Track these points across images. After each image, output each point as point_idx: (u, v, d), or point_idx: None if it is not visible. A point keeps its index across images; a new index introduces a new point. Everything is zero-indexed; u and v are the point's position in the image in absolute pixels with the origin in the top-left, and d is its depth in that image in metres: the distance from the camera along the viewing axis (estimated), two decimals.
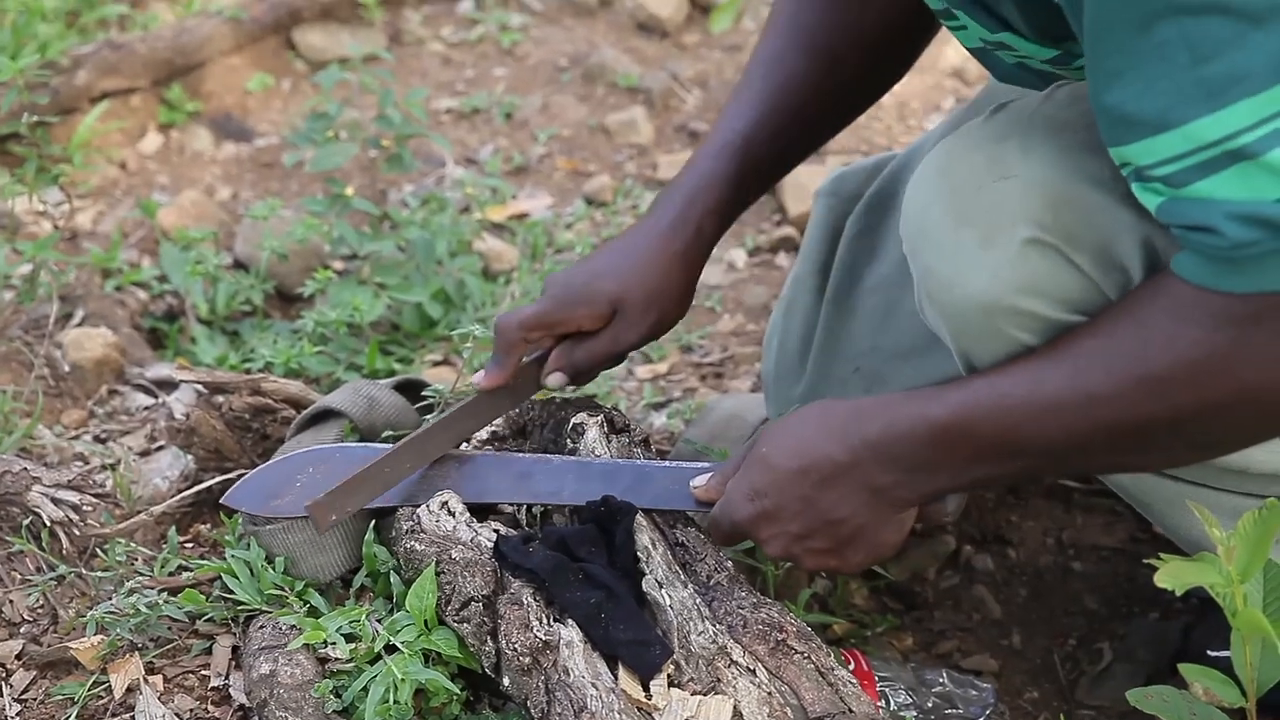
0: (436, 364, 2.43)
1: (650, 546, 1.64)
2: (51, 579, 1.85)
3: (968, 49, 1.64)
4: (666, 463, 1.73)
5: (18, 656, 1.77)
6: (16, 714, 1.70)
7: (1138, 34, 1.32)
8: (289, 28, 3.24)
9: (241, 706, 1.69)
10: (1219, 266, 1.36)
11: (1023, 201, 1.50)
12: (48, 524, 1.89)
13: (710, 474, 1.67)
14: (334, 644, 1.67)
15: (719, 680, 1.53)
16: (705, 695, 1.51)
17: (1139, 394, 1.42)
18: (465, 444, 1.87)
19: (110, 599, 1.80)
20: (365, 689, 1.63)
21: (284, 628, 1.70)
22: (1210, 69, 1.31)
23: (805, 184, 2.76)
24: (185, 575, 1.81)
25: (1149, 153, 1.36)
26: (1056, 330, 1.50)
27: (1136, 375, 1.41)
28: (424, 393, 1.97)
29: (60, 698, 1.71)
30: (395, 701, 1.61)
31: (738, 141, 1.82)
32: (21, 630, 1.81)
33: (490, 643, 1.60)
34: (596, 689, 1.51)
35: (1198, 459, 1.53)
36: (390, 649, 1.65)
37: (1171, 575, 1.39)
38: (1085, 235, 1.50)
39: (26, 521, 1.89)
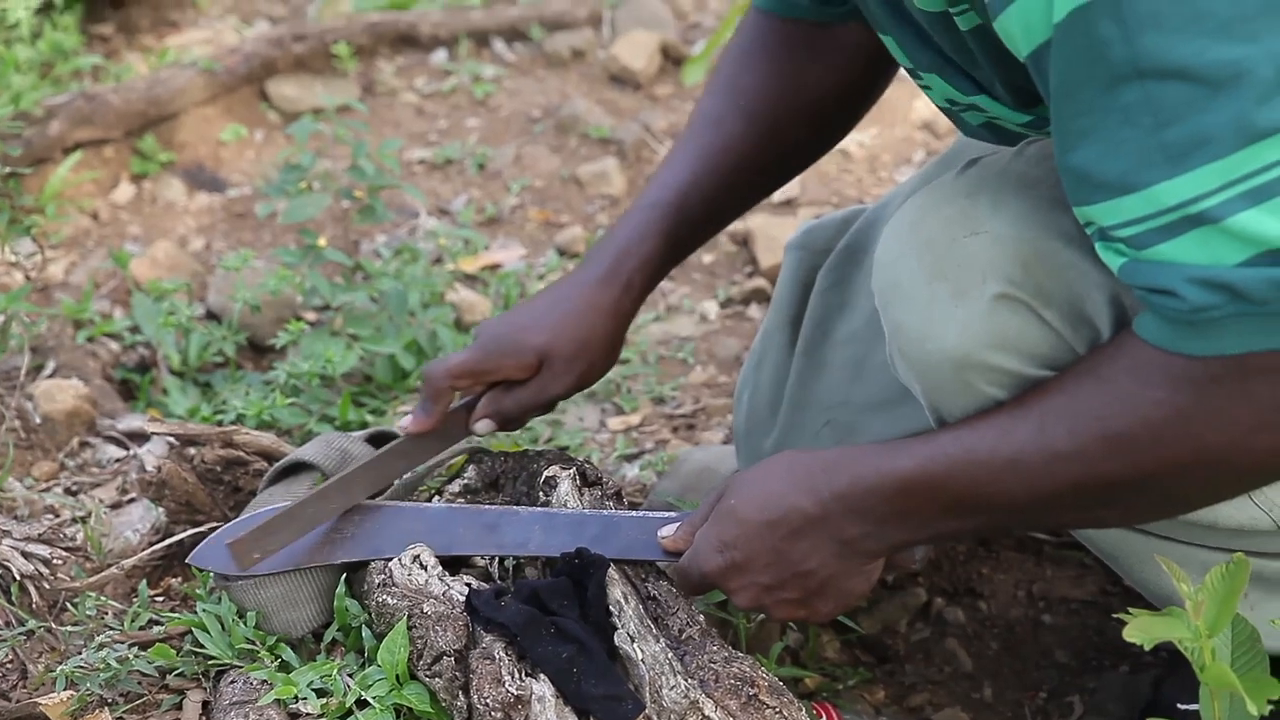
0: (409, 415, 2.43)
1: (623, 600, 1.65)
2: (21, 633, 1.84)
3: (936, 105, 1.66)
4: (634, 512, 1.73)
5: None
6: None
7: (1103, 96, 1.34)
8: (262, 79, 3.24)
9: None
10: (1179, 329, 1.38)
11: (993, 257, 1.51)
12: (17, 578, 1.89)
13: (678, 524, 1.68)
14: (305, 699, 1.66)
15: None
16: None
17: (1101, 452, 1.43)
18: (437, 498, 1.88)
19: (80, 654, 1.79)
20: None
21: (255, 683, 1.70)
22: (1173, 133, 1.32)
23: (776, 236, 2.78)
24: (156, 629, 1.81)
25: (1112, 213, 1.37)
26: (1026, 385, 1.51)
27: (1099, 434, 1.43)
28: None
29: None
30: None
31: (671, 199, 1.85)
32: None
33: (462, 697, 1.60)
34: None
35: (1162, 516, 1.55)
36: (361, 704, 1.65)
37: (1140, 629, 1.39)
38: (1055, 291, 1.51)
39: None
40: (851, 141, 3.02)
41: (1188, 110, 1.32)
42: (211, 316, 2.66)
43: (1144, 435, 1.41)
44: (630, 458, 2.39)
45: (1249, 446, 1.39)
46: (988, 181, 1.57)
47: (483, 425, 1.85)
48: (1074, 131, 1.37)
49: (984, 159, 1.62)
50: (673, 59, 3.34)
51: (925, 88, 1.64)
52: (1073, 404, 1.45)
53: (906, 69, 1.65)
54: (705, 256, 2.84)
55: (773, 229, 2.82)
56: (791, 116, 1.91)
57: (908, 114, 3.11)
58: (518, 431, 2.05)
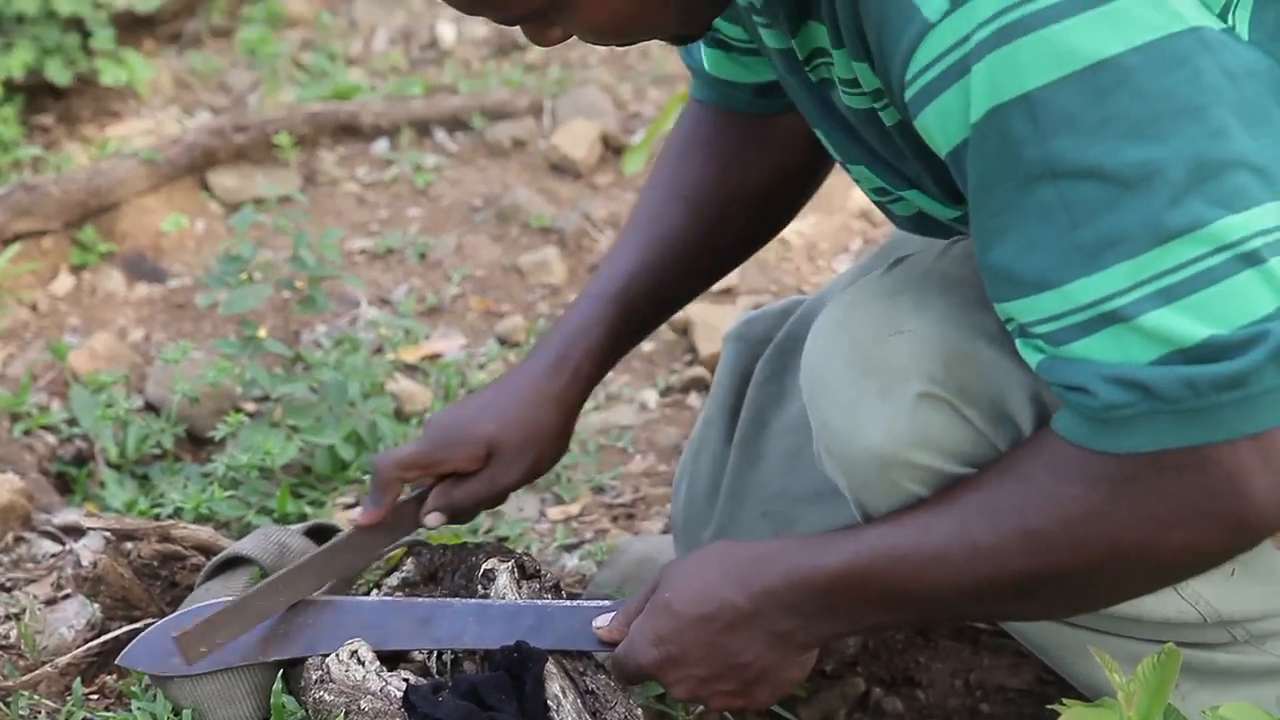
0: (348, 506, 2.43)
1: (560, 695, 1.64)
2: None
3: (866, 196, 1.68)
4: (569, 603, 1.73)
5: None
6: None
7: (1019, 195, 1.37)
8: (204, 169, 3.25)
9: None
10: (1094, 426, 1.40)
11: (916, 356, 1.53)
12: None
13: (612, 614, 1.69)
14: None
15: None
16: None
17: (1021, 548, 1.45)
18: (376, 591, 1.87)
19: None
20: None
21: None
22: (1087, 232, 1.35)
23: (716, 324, 2.80)
24: None
25: (1030, 310, 1.39)
26: (949, 483, 1.53)
27: (1018, 530, 1.45)
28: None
29: None
30: None
31: (616, 290, 1.88)
32: None
33: None
34: None
35: (1084, 610, 1.56)
36: None
37: None
38: (977, 390, 1.53)
39: None
40: (790, 230, 3.05)
41: (1101, 210, 1.34)
42: (150, 408, 2.65)
43: (1061, 532, 1.43)
44: (570, 548, 2.39)
45: (1163, 543, 1.41)
46: (912, 281, 1.59)
47: (433, 518, 1.85)
48: (992, 229, 1.39)
49: (909, 258, 1.64)
50: (613, 148, 3.36)
51: (856, 179, 1.66)
52: (993, 500, 1.47)
53: (838, 160, 1.68)
54: (645, 345, 2.85)
55: (712, 317, 2.84)
56: (732, 207, 1.94)
57: (845, 202, 3.14)
58: None
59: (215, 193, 3.25)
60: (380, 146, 3.41)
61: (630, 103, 3.52)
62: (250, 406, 2.64)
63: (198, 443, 2.59)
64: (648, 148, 3.27)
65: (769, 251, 3.01)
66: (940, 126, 1.40)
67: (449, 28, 3.73)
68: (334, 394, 2.54)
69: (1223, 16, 1.39)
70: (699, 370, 2.78)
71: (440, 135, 3.42)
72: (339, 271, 2.73)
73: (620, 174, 3.31)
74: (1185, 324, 1.35)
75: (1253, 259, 1.35)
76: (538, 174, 3.33)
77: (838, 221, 3.12)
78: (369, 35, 3.79)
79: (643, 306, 1.92)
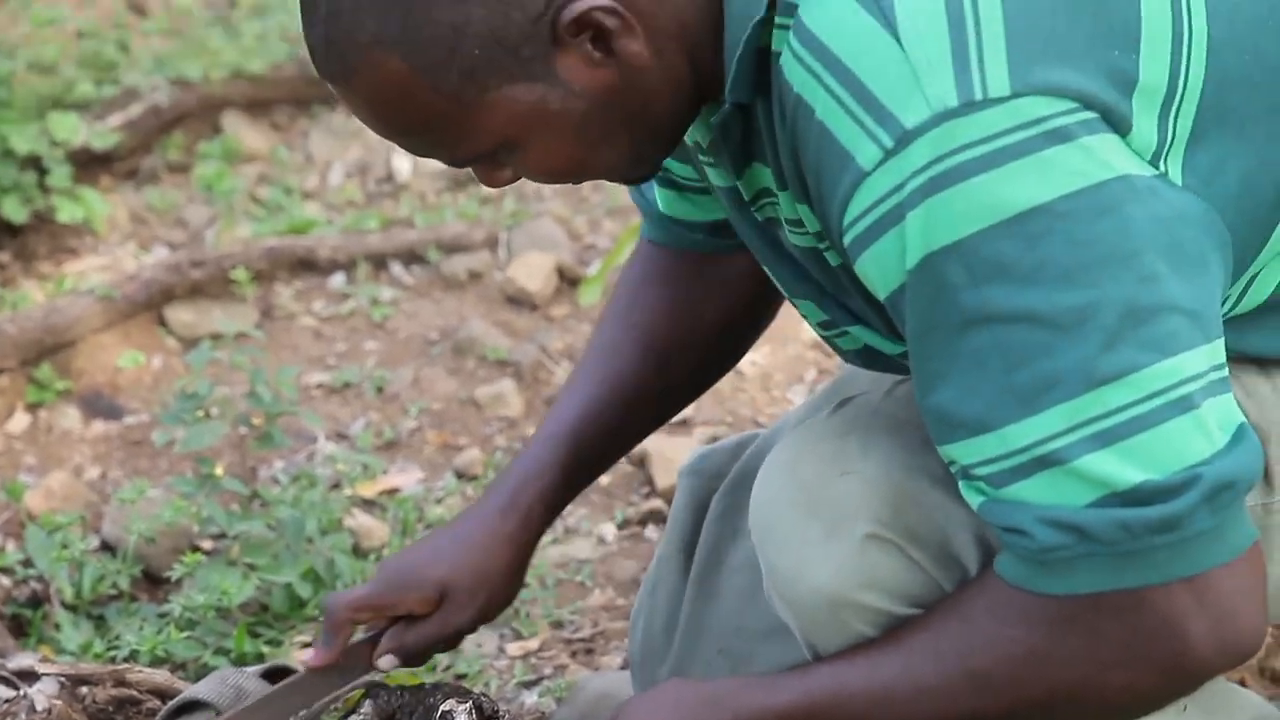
0: (305, 645, 2.42)
1: None
2: None
3: (814, 330, 1.71)
4: None
5: None
6: None
7: (956, 340, 1.39)
8: (161, 305, 3.26)
9: None
10: (1033, 568, 1.42)
11: (863, 498, 1.55)
12: None
13: None
14: None
15: None
16: None
17: (965, 688, 1.47)
18: None
19: None
20: None
21: None
22: (1022, 376, 1.38)
23: (673, 457, 2.81)
24: None
25: (970, 453, 1.42)
26: (898, 623, 1.54)
27: (962, 671, 1.47)
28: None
29: None
30: None
31: (568, 430, 1.90)
32: None
33: None
34: None
35: None
36: None
37: None
38: (923, 532, 1.55)
39: None
40: (745, 361, 3.07)
41: (1036, 354, 1.37)
42: (106, 547, 2.64)
43: (1003, 673, 1.45)
44: (529, 684, 2.38)
45: (1103, 684, 1.43)
46: (859, 423, 1.61)
47: (385, 661, 1.86)
48: (932, 373, 1.42)
49: (856, 399, 1.67)
50: (568, 280, 3.39)
51: (803, 314, 1.69)
52: (938, 641, 1.49)
53: (786, 296, 1.71)
54: (603, 478, 2.85)
55: (669, 450, 2.85)
56: (685, 346, 1.96)
57: (799, 333, 3.17)
58: None
59: (172, 328, 3.26)
60: (337, 280, 3.43)
61: (585, 234, 3.56)
62: (207, 544, 2.63)
63: (154, 582, 2.58)
64: (603, 279, 3.30)
65: (724, 382, 3.03)
66: (877, 272, 1.43)
67: (404, 162, 3.76)
68: (291, 531, 2.54)
69: (1154, 163, 1.43)
70: (657, 502, 2.79)
71: (397, 268, 3.45)
72: (296, 407, 2.74)
73: (576, 305, 3.33)
74: (1120, 468, 1.37)
75: (1185, 404, 1.38)
76: (494, 306, 3.35)
77: (792, 352, 3.15)
78: (325, 169, 3.83)
79: (596, 445, 1.93)
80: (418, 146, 1.56)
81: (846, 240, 1.44)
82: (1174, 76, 1.43)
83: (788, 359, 3.14)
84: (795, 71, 1.45)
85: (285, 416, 2.80)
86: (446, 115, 1.50)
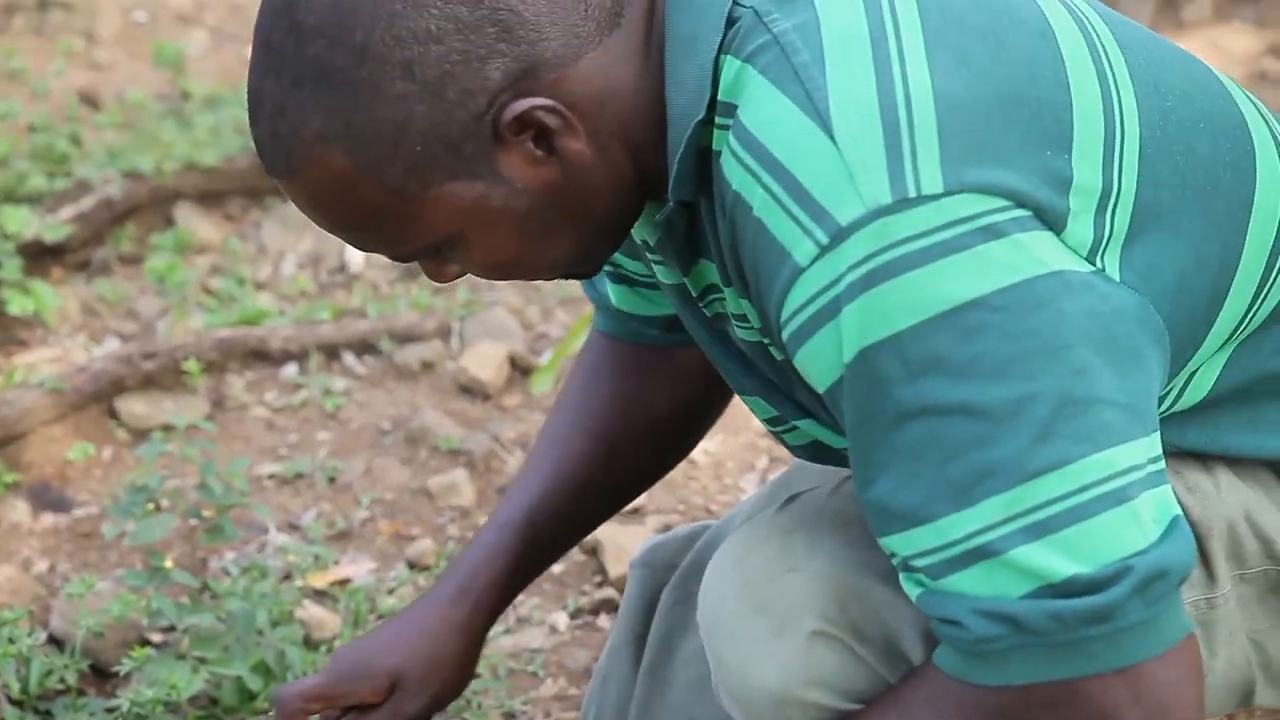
0: None
1: None
2: None
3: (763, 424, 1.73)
4: None
5: None
6: None
7: (892, 432, 1.41)
8: (111, 396, 3.25)
9: None
10: (969, 659, 1.43)
11: (809, 595, 1.56)
12: None
13: None
14: None
15: None
16: None
17: None
18: None
19: None
20: None
21: None
22: (957, 468, 1.39)
23: (626, 546, 2.81)
24: None
25: (909, 545, 1.43)
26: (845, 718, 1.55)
27: None
28: None
29: None
30: None
31: (519, 518, 1.92)
32: None
33: None
34: None
35: None
36: None
37: None
38: (869, 628, 1.56)
39: None
40: (698, 449, 3.07)
41: (971, 446, 1.39)
42: (54, 641, 2.62)
43: None
44: None
45: None
46: (806, 519, 1.63)
47: None
48: (870, 465, 1.43)
49: (804, 495, 1.68)
50: (521, 369, 3.40)
51: (751, 408, 1.71)
52: None
53: (734, 390, 1.72)
54: (555, 566, 2.85)
55: (621, 538, 2.85)
56: (635, 436, 1.97)
57: (751, 422, 3.18)
58: None
59: (123, 420, 3.24)
60: (289, 371, 3.42)
61: (538, 324, 3.57)
62: (157, 638, 2.62)
63: (103, 677, 2.56)
64: (556, 368, 3.31)
65: (677, 471, 3.02)
66: (815, 366, 1.45)
67: (357, 252, 3.77)
68: (241, 623, 2.53)
69: (1091, 258, 1.45)
70: (609, 592, 2.78)
71: (349, 359, 3.45)
72: (247, 499, 2.73)
73: (529, 395, 3.34)
74: (1052, 560, 1.39)
75: (1118, 496, 1.40)
76: (446, 396, 3.35)
77: (744, 440, 3.16)
78: (278, 260, 3.83)
79: (547, 534, 1.94)
80: (362, 242, 1.57)
81: (785, 335, 1.46)
82: (1108, 177, 1.46)
83: (740, 447, 3.15)
84: (734, 170, 1.47)
85: (236, 508, 2.79)
86: (389, 211, 1.52)
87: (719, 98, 1.50)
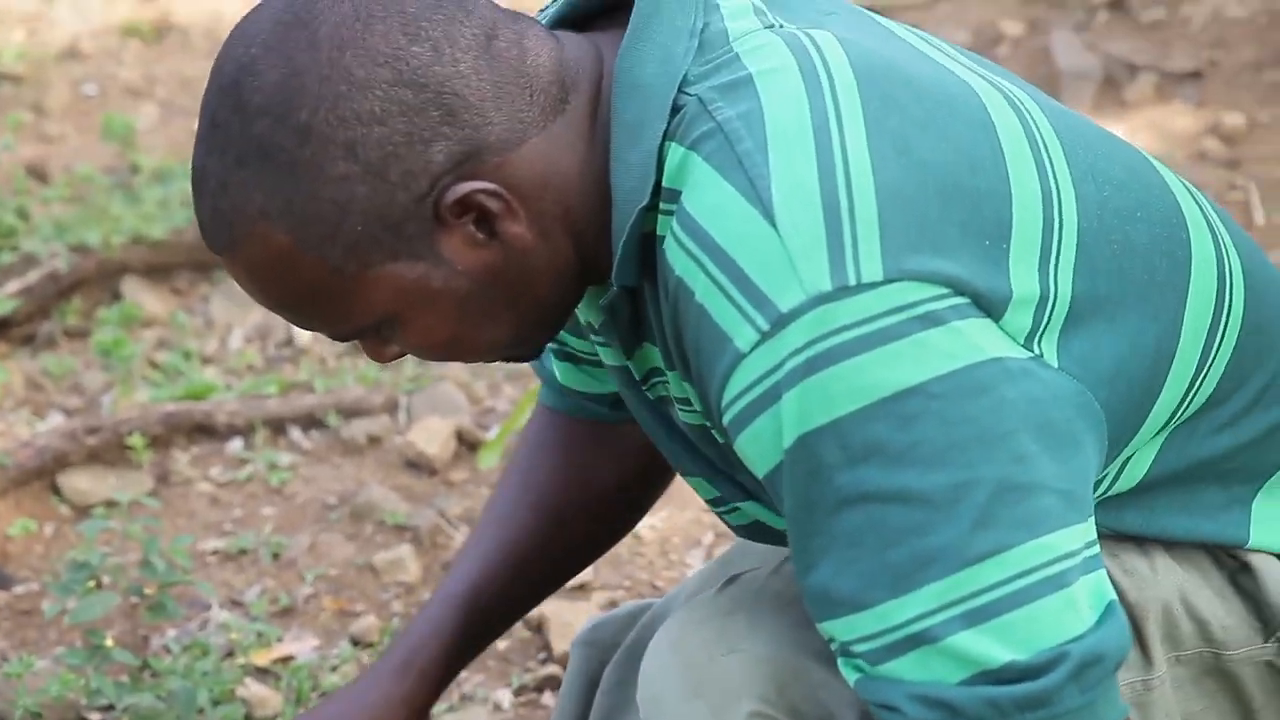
0: None
1: None
2: None
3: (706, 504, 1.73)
4: None
5: None
6: None
7: (832, 518, 1.42)
8: (54, 472, 3.23)
9: None
10: None
11: (748, 676, 1.56)
12: None
13: None
14: None
15: None
16: None
17: None
18: None
19: None
20: None
21: None
22: (896, 554, 1.40)
23: (571, 622, 2.80)
24: None
25: (848, 630, 1.43)
26: None
27: None
28: None
29: None
30: None
31: (464, 591, 1.91)
32: None
33: None
34: None
35: None
36: None
37: None
38: (808, 710, 1.56)
39: None
40: (643, 524, 3.08)
41: (909, 532, 1.40)
42: None
43: None
44: None
45: None
46: (745, 600, 1.63)
47: None
48: (809, 550, 1.44)
49: (744, 575, 1.68)
50: (468, 444, 3.40)
51: (694, 488, 1.71)
52: None
53: (677, 471, 1.73)
54: (499, 643, 2.84)
55: (566, 614, 2.84)
56: (580, 511, 1.98)
57: (696, 498, 3.17)
58: None
59: (66, 495, 3.22)
60: (235, 445, 3.41)
61: (485, 399, 3.57)
62: (96, 717, 2.59)
63: None
64: (502, 443, 3.30)
65: (622, 546, 3.03)
66: (755, 451, 1.45)
67: None
68: (182, 702, 2.51)
69: (1028, 345, 1.46)
70: (553, 668, 2.77)
71: (295, 433, 3.44)
72: (190, 576, 2.71)
73: (475, 470, 3.33)
74: (989, 646, 1.40)
75: (1056, 582, 1.41)
76: (393, 471, 3.34)
77: (689, 516, 3.16)
78: (225, 334, 3.82)
79: (492, 609, 1.94)
80: (302, 320, 1.58)
81: (725, 419, 1.46)
82: (1044, 280, 1.48)
83: (686, 523, 3.15)
84: (677, 255, 1.48)
85: (179, 585, 2.78)
86: (329, 290, 1.53)
87: (663, 184, 1.51)
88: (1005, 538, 1.40)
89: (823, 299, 1.41)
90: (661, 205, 1.52)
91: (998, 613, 1.40)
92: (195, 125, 1.56)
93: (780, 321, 1.41)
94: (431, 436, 3.36)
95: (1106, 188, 1.56)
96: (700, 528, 3.15)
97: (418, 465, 3.35)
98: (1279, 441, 1.67)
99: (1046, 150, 1.54)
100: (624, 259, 1.53)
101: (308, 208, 1.49)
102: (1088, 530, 1.45)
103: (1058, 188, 1.52)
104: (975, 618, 1.40)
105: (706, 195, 1.47)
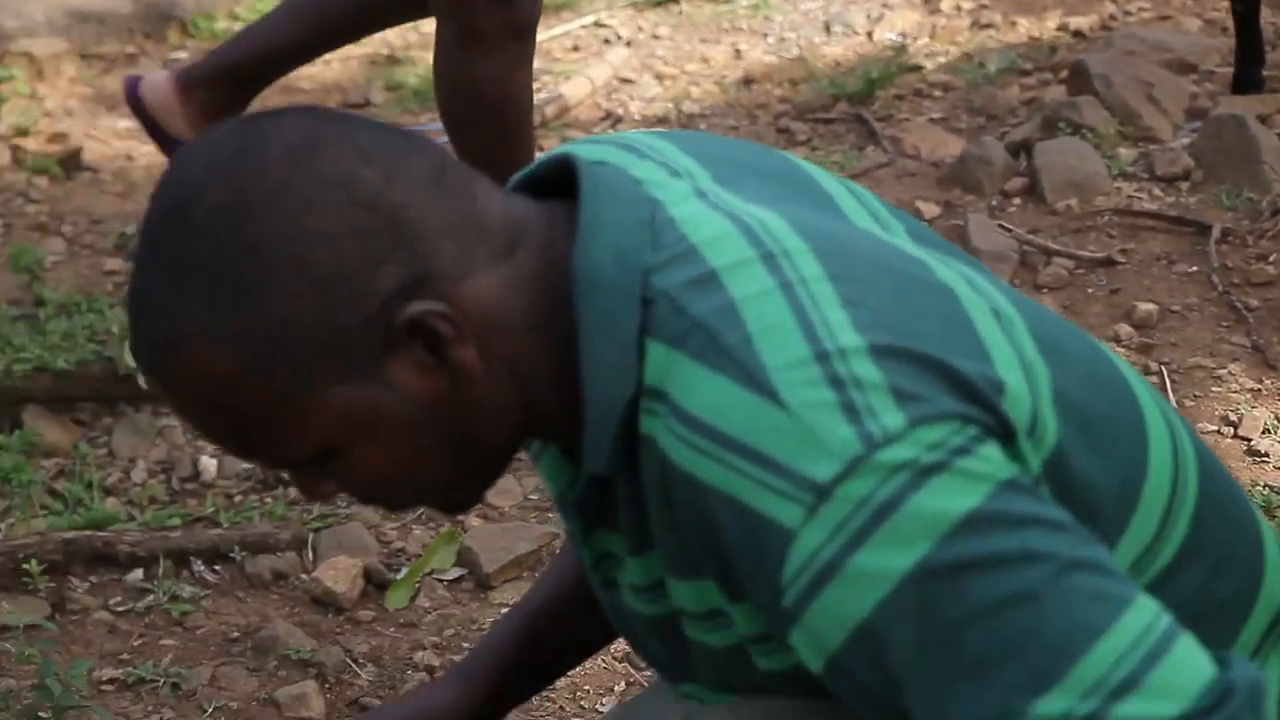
0: None
1: None
2: None
3: None
4: None
5: None
6: None
7: (952, 649, 1.43)
8: None
9: None
10: None
11: None
12: None
13: None
14: None
15: None
16: None
17: None
18: None
19: None
20: None
21: None
22: (1031, 656, 1.42)
23: None
24: None
25: None
26: None
27: None
28: None
29: None
30: None
31: (533, 607, 2.04)
32: None
33: None
34: None
35: None
36: None
37: None
38: None
39: None
40: None
41: (1028, 634, 1.43)
42: None
43: None
44: None
45: None
46: None
47: None
48: (935, 694, 1.45)
49: None
50: (376, 583, 3.34)
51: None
52: None
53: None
54: None
55: None
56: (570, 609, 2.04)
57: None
58: None
59: None
60: (136, 575, 3.33)
61: (394, 539, 3.52)
62: None
63: None
64: (411, 583, 3.25)
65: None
66: (828, 622, 1.47)
67: (211, 461, 3.70)
68: None
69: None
70: None
71: (199, 566, 3.36)
72: (88, 703, 2.64)
73: (383, 609, 3.27)
74: (1153, 705, 1.41)
75: (1172, 632, 1.43)
76: (298, 607, 3.27)
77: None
78: (128, 466, 3.75)
79: (554, 629, 2.03)
80: (243, 447, 1.56)
81: (787, 601, 1.46)
82: (1034, 406, 1.53)
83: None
84: (681, 453, 1.48)
85: (75, 710, 2.70)
86: (272, 415, 1.51)
87: (645, 382, 1.52)
88: (1110, 610, 1.41)
89: (859, 460, 1.43)
90: (645, 404, 1.52)
91: (1141, 677, 1.40)
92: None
93: (824, 493, 1.43)
94: (339, 575, 3.31)
95: (1066, 359, 1.61)
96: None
97: (324, 603, 3.28)
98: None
99: (1009, 319, 1.59)
100: (607, 450, 1.54)
101: (253, 328, 1.47)
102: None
103: (1025, 354, 1.57)
104: (1123, 690, 1.39)
105: (704, 392, 1.48)
